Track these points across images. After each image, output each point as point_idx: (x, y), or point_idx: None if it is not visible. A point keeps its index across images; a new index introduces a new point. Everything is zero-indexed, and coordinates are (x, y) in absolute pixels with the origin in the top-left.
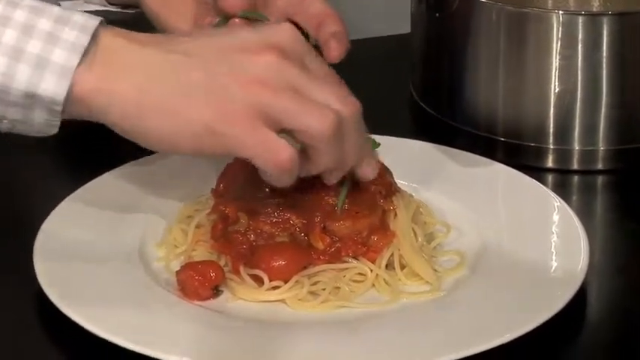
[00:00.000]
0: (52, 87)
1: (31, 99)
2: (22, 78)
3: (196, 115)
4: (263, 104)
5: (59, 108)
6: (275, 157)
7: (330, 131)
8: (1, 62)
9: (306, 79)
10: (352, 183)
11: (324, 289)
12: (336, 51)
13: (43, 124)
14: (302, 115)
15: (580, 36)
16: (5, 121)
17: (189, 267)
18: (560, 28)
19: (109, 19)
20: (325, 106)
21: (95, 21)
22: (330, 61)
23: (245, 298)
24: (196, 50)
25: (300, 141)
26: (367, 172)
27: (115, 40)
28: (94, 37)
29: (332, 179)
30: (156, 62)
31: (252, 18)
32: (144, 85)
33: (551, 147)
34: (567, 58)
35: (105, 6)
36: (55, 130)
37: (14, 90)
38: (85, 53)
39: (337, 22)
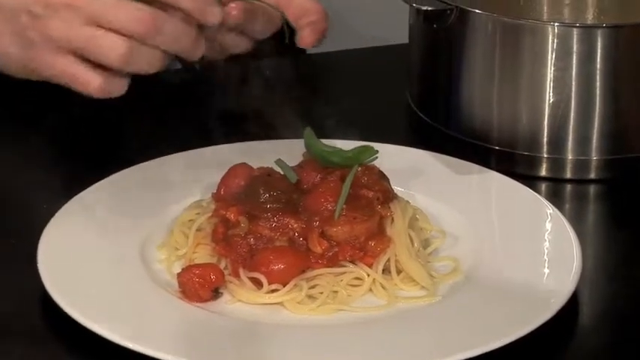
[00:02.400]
0: None
1: None
2: None
3: (14, 55)
4: (56, 40)
5: None
6: (85, 86)
7: (125, 57)
8: None
9: (97, 10)
10: (351, 189)
11: (321, 293)
12: (308, 38)
13: None
14: (94, 48)
15: (574, 48)
16: None
17: (190, 269)
18: (555, 40)
19: None
20: (117, 31)
21: None
22: (303, 46)
23: (244, 301)
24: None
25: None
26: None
27: None
28: None
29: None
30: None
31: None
32: None
33: (545, 156)
34: (562, 69)
35: None
36: None
37: None
38: None
39: (317, 14)
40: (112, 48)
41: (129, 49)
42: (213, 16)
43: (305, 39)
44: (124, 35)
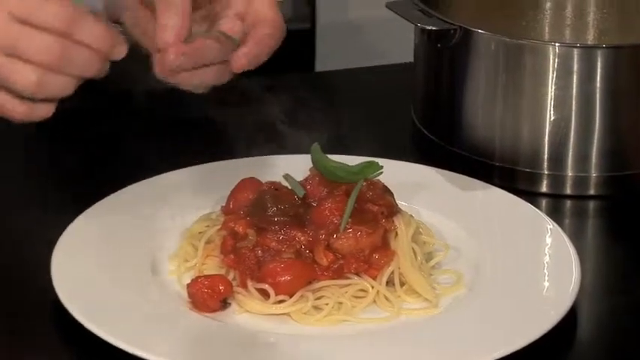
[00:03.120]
0: None
1: None
2: None
3: None
4: None
5: None
6: (10, 113)
7: (36, 85)
8: None
9: (7, 41)
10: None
11: (327, 304)
12: (241, 60)
13: None
14: (5, 77)
15: (575, 67)
16: None
17: (199, 280)
18: (556, 60)
19: None
20: (26, 60)
21: None
22: (234, 70)
23: (252, 311)
24: None
25: None
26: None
27: None
28: None
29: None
30: None
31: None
32: None
33: (546, 172)
34: (562, 88)
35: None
36: None
37: None
38: None
39: (273, 28)
40: (23, 77)
41: (39, 78)
42: (118, 54)
43: (238, 61)
44: (34, 64)
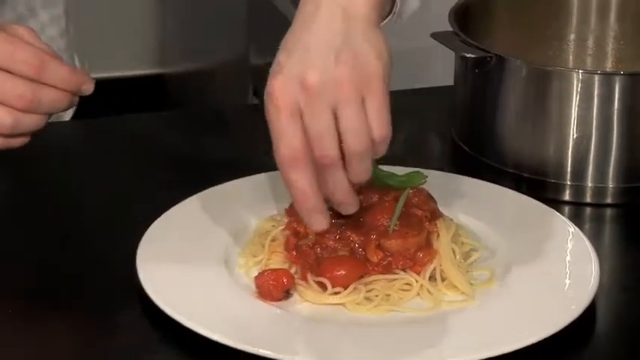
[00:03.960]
0: None
1: None
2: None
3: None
4: None
5: None
6: None
7: (11, 126)
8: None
9: None
10: (403, 208)
11: (377, 296)
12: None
13: None
14: None
15: (596, 91)
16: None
17: (265, 273)
18: (580, 85)
19: None
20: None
21: None
22: None
23: (311, 301)
24: None
25: None
26: None
27: None
28: None
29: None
30: None
31: None
32: None
33: (569, 183)
34: (584, 109)
35: None
36: None
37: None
38: None
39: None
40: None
41: (15, 121)
42: (86, 91)
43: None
44: (9, 108)
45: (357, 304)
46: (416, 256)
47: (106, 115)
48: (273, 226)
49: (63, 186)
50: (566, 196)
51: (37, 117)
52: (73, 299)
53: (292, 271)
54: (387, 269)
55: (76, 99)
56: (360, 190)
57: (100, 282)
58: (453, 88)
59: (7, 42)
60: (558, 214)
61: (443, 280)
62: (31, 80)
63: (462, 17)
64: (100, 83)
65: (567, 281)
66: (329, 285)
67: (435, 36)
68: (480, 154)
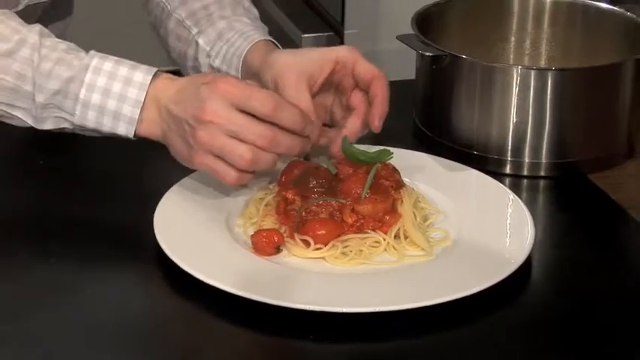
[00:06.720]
0: (125, 131)
1: (114, 134)
2: (106, 127)
3: (179, 150)
4: (201, 145)
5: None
6: (223, 178)
7: (251, 162)
8: (91, 117)
9: (233, 127)
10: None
11: (351, 251)
12: (376, 125)
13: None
14: (229, 154)
15: (532, 84)
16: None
17: (259, 232)
18: (518, 78)
19: None
20: (243, 141)
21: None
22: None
23: (297, 255)
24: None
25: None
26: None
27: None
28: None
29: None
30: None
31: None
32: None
33: (509, 159)
34: (522, 99)
35: None
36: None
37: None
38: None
39: (381, 79)
40: (241, 155)
41: (254, 156)
42: (311, 132)
43: (375, 123)
44: (250, 145)
45: (336, 258)
46: (383, 218)
47: None
48: (266, 194)
49: (93, 162)
50: (507, 170)
51: (272, 156)
52: (101, 252)
53: (282, 230)
54: (360, 229)
55: (309, 146)
56: (338, 163)
57: (120, 242)
58: (414, 81)
59: (244, 86)
60: (501, 184)
61: (406, 238)
62: (267, 119)
63: (421, 22)
64: None
65: (507, 240)
66: (312, 242)
67: (400, 38)
68: (436, 136)
